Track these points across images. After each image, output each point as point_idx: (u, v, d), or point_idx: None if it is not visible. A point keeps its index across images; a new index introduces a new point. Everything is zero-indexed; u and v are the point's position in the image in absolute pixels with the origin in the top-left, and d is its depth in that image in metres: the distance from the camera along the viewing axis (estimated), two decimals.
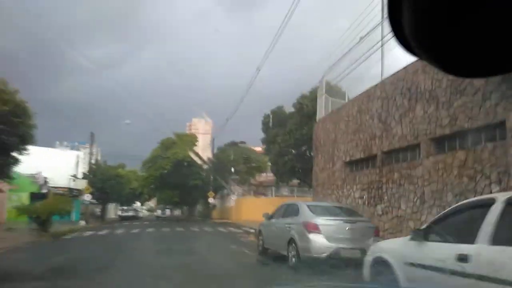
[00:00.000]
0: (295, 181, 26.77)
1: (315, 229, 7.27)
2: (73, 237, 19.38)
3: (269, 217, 10.03)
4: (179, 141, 40.33)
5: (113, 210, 62.75)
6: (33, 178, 34.55)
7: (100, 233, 20.78)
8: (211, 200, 40.19)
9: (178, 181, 42.65)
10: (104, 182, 37.27)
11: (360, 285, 4.65)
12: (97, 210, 35.28)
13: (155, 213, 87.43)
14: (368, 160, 14.17)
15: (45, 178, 38.37)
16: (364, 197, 13.85)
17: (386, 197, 12.56)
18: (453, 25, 0.71)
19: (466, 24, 0.70)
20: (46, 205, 19.77)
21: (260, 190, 44.02)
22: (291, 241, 7.79)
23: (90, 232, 21.49)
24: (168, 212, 73.56)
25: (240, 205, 35.43)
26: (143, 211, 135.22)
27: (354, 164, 15.20)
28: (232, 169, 43.71)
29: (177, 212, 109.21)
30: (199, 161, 42.05)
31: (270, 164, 25.66)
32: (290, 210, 8.78)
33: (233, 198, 34.27)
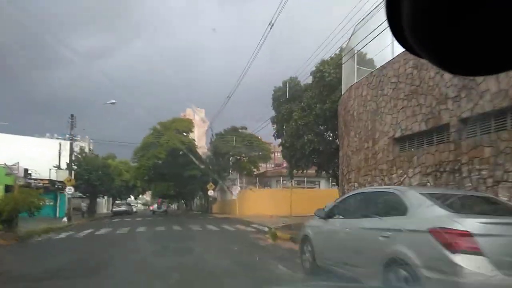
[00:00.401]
0: (309, 169, 22.86)
1: (468, 244, 3.44)
2: (43, 240, 15.57)
3: (327, 214, 5.99)
4: (173, 127, 36.44)
5: (106, 205, 58.99)
6: (8, 169, 30.57)
7: (80, 234, 16.96)
8: (210, 192, 36.47)
9: (174, 171, 38.84)
10: (91, 173, 33.35)
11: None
12: (84, 205, 31.43)
13: (151, 208, 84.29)
14: (432, 133, 10.41)
15: (26, 169, 34.45)
16: (428, 184, 10.11)
17: (469, 183, 8.82)
18: (453, 25, 0.70)
19: (466, 23, 0.70)
20: (8, 199, 15.95)
21: (264, 181, 40.32)
22: (395, 263, 3.96)
23: (68, 233, 17.70)
24: (164, 206, 69.78)
25: (244, 198, 31.79)
26: (138, 205, 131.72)
27: (408, 140, 11.43)
28: (231, 158, 39.98)
29: (173, 207, 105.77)
30: (195, 150, 38.25)
31: (282, 148, 21.72)
32: (381, 204, 4.81)
33: (236, 190, 30.53)
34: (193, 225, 19.65)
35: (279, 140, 21.96)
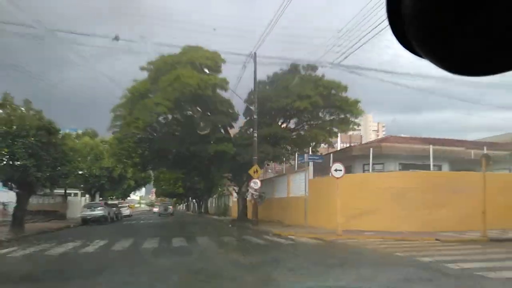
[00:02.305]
0: None
1: None
2: None
3: None
4: (185, 60, 18.79)
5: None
6: None
7: None
8: (255, 184, 18.88)
9: (185, 149, 21.34)
10: (14, 143, 15.92)
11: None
12: None
13: (154, 210, 68.68)
14: None
15: None
16: None
17: None
18: (455, 24, 0.70)
19: (468, 23, 0.69)
20: None
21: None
22: None
23: None
24: (170, 208, 53.63)
25: (327, 194, 14.29)
26: (142, 205, 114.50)
27: None
28: (289, 121, 22.34)
29: (181, 208, 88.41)
30: (229, 105, 20.52)
31: None
32: None
33: (340, 174, 12.65)
34: None
35: None
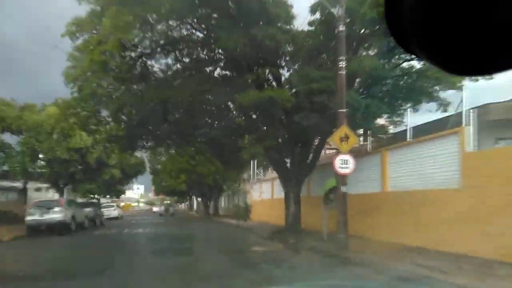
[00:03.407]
0: None
1: None
2: None
3: None
4: None
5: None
6: None
7: None
8: (343, 165, 9.17)
9: (196, 102, 11.73)
10: None
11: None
12: None
13: (154, 209, 61.65)
14: None
15: None
16: None
17: None
18: (455, 24, 0.69)
19: (469, 23, 0.68)
20: None
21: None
22: None
23: None
24: (171, 208, 45.82)
25: None
26: (141, 205, 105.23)
27: None
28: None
29: (183, 206, 79.09)
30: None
31: None
32: None
33: None
34: None
35: None
